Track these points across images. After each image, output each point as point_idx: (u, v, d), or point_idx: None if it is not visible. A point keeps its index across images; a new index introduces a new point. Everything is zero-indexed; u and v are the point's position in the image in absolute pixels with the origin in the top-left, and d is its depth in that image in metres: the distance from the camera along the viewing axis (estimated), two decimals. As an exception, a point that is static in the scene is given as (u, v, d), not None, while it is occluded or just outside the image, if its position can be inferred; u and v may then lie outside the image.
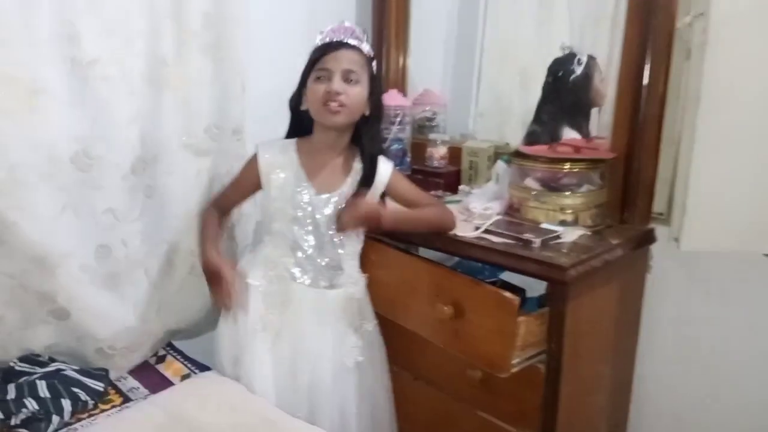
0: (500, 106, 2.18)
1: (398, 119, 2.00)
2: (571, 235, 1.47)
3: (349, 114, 1.38)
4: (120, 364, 1.61)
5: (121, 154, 1.48)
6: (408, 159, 2.06)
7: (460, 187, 1.88)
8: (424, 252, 1.61)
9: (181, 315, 1.71)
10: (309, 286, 1.46)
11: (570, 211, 1.53)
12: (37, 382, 1.43)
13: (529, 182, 1.59)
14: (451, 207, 1.69)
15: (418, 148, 2.04)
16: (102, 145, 1.44)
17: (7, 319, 1.44)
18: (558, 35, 1.80)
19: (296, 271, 1.45)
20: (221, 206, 1.58)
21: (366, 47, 1.42)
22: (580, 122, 1.66)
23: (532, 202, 1.57)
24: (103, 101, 1.42)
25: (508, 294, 1.27)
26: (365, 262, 1.54)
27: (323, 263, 1.45)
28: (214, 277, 1.47)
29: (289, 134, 1.50)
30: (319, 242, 1.44)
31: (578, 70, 1.62)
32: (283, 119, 1.52)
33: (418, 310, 1.47)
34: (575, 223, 1.53)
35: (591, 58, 1.63)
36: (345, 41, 1.37)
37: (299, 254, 1.44)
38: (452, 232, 1.49)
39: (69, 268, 1.43)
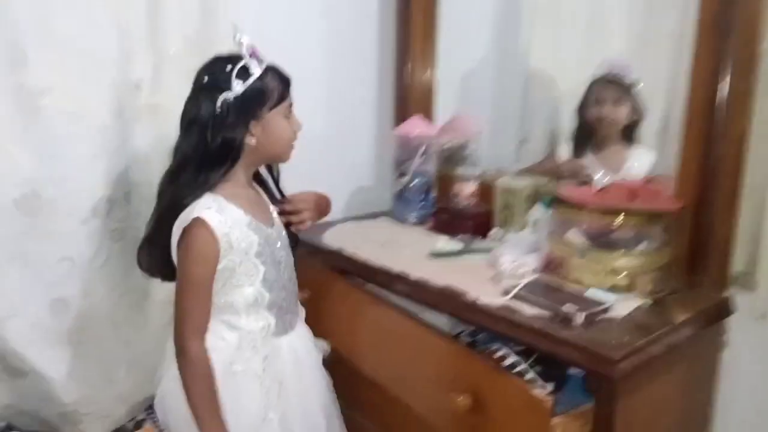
0: (547, 132, 1.91)
1: (421, 150, 1.73)
2: (624, 306, 1.16)
3: None
4: (89, 431, 1.40)
5: (79, 196, 1.27)
6: (432, 196, 1.78)
7: (491, 232, 1.59)
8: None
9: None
10: (289, 331, 1.26)
11: (624, 275, 1.22)
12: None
13: (573, 235, 1.29)
14: (477, 258, 1.42)
15: (446, 183, 1.76)
16: (55, 185, 1.23)
17: None
18: (612, 55, 1.56)
19: (275, 326, 1.22)
20: (204, 329, 1.15)
21: None
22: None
23: (576, 261, 1.27)
24: (57, 135, 1.23)
25: (538, 393, 0.98)
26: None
27: (290, 299, 1.27)
28: None
29: (206, 179, 1.13)
30: (284, 282, 1.24)
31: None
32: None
33: (422, 392, 1.19)
34: (630, 289, 1.22)
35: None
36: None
37: (275, 308, 1.21)
38: (473, 297, 1.20)
39: (17, 326, 1.23)
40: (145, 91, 1.34)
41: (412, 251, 1.50)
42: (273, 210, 1.28)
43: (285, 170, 1.73)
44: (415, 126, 1.76)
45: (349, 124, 1.95)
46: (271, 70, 1.15)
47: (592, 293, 1.20)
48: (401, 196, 1.78)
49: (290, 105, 1.19)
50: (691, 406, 1.24)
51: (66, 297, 1.29)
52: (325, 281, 1.47)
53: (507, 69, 2.04)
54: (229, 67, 1.10)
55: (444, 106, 1.95)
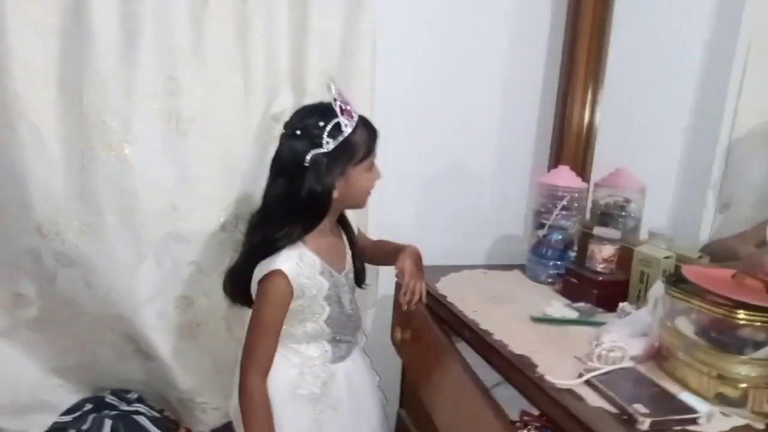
0: (758, 197, 1.61)
1: (562, 203, 1.60)
2: (721, 422, 0.94)
3: None
4: (200, 419, 1.58)
5: (212, 211, 1.44)
6: (571, 254, 1.63)
7: (621, 305, 1.40)
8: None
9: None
10: (345, 358, 1.36)
11: (737, 385, 0.99)
12: (105, 421, 1.47)
13: (682, 324, 1.08)
14: (584, 331, 1.28)
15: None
16: (192, 199, 1.42)
17: (100, 354, 1.52)
18: None
19: (333, 354, 1.33)
20: (267, 368, 1.23)
21: None
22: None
23: (681, 355, 1.07)
24: (198, 156, 1.41)
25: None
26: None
27: (352, 332, 1.37)
28: None
29: (296, 231, 1.20)
30: (347, 318, 1.34)
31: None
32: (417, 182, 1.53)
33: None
34: (741, 404, 0.98)
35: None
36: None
37: (334, 340, 1.33)
38: (540, 373, 1.08)
39: (145, 315, 1.44)
40: (281, 122, 1.47)
41: (518, 311, 1.39)
42: (347, 254, 1.35)
43: (437, 206, 1.79)
44: (561, 176, 1.64)
45: (506, 168, 1.90)
46: (360, 127, 1.20)
47: (686, 398, 1.00)
48: (536, 251, 1.67)
49: (373, 158, 1.24)
50: None
51: (190, 295, 1.48)
52: (422, 324, 1.45)
53: (701, 121, 1.77)
54: (321, 123, 1.16)
55: (607, 157, 1.77)
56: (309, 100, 1.48)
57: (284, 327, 1.23)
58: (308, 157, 1.16)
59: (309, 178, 1.16)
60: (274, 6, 1.43)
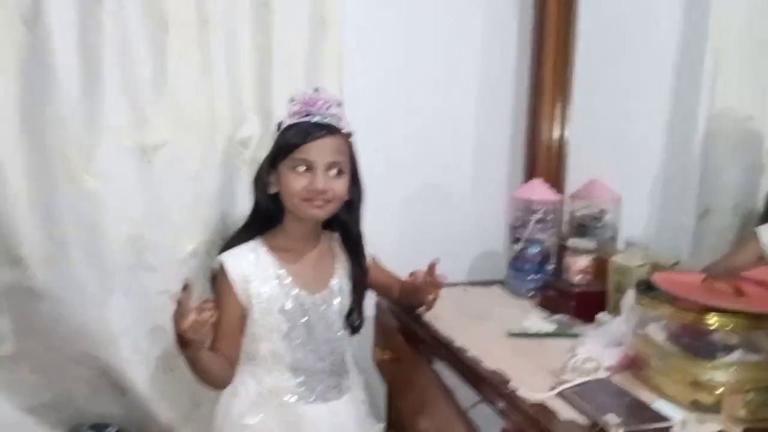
0: (736, 202, 1.60)
1: (537, 216, 1.59)
2: (694, 430, 0.92)
3: (333, 209, 1.20)
4: (187, 450, 1.54)
5: (181, 238, 1.43)
6: (549, 267, 1.62)
7: (599, 316, 1.39)
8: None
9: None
10: (320, 402, 1.22)
11: (711, 391, 0.97)
12: (87, 455, 1.42)
13: (653, 331, 1.07)
14: (561, 344, 1.26)
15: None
16: (160, 228, 1.40)
17: (75, 390, 1.49)
18: None
19: (302, 391, 1.21)
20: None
21: (346, 125, 1.20)
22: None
23: (655, 363, 1.05)
24: (165, 184, 1.40)
25: None
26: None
27: (328, 371, 1.23)
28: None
29: (251, 227, 1.23)
30: (319, 350, 1.22)
31: None
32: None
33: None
34: (716, 409, 0.96)
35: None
36: (327, 124, 1.16)
37: (300, 372, 1.20)
38: (513, 388, 1.06)
39: (119, 347, 1.41)
40: (251, 148, 1.47)
41: (495, 327, 1.38)
42: (335, 277, 1.26)
43: (415, 225, 1.78)
44: (535, 189, 1.64)
45: (481, 184, 1.89)
46: (298, 125, 1.15)
47: (660, 406, 0.98)
48: (514, 265, 1.65)
49: (305, 161, 1.14)
50: None
51: (164, 325, 1.45)
52: (400, 344, 1.43)
53: (675, 129, 1.77)
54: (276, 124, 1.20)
55: (580, 169, 1.77)
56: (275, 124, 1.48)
57: (246, 345, 1.19)
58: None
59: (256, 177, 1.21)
60: (236, 31, 1.43)
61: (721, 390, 0.96)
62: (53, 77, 1.29)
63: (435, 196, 1.85)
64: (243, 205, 1.47)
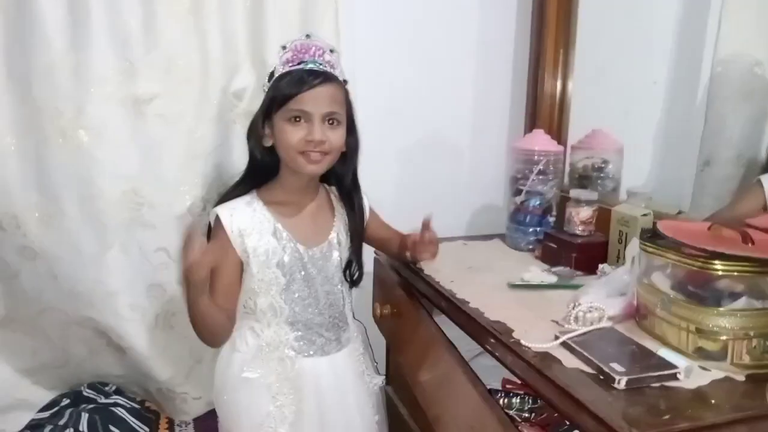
0: (738, 152, 1.58)
1: (538, 167, 1.56)
2: (701, 376, 0.91)
3: (331, 161, 1.17)
4: (182, 409, 1.55)
5: (177, 194, 1.40)
6: (550, 219, 1.60)
7: (601, 267, 1.37)
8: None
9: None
10: (319, 356, 1.22)
11: (716, 338, 0.96)
12: (82, 414, 1.43)
13: (658, 279, 1.06)
14: (562, 295, 1.24)
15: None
16: (155, 184, 1.37)
17: (74, 351, 1.48)
18: None
19: (301, 345, 1.20)
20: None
21: (341, 73, 1.15)
22: None
23: (659, 311, 1.04)
24: (159, 139, 1.37)
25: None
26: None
27: (328, 324, 1.23)
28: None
29: (246, 180, 1.20)
30: (318, 304, 1.21)
31: None
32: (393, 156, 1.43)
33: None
34: (721, 357, 0.95)
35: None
36: (323, 71, 1.11)
37: (300, 325, 1.20)
38: (516, 338, 1.06)
39: (116, 306, 1.40)
40: (245, 100, 1.43)
41: (495, 279, 1.36)
42: (333, 231, 1.24)
43: (413, 177, 1.75)
44: (536, 140, 1.60)
45: (482, 138, 1.86)
46: (292, 74, 1.11)
47: (665, 354, 0.97)
48: (515, 218, 1.63)
49: (301, 111, 1.10)
50: None
51: (162, 283, 1.44)
52: (401, 298, 1.42)
53: (678, 79, 1.74)
54: (269, 74, 1.15)
55: (582, 120, 1.73)
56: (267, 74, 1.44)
57: (243, 300, 1.18)
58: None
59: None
60: (229, -22, 1.38)
61: (725, 337, 0.95)
62: (39, 27, 1.25)
63: (434, 148, 1.82)
64: (238, 159, 1.45)
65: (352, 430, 1.27)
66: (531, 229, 1.60)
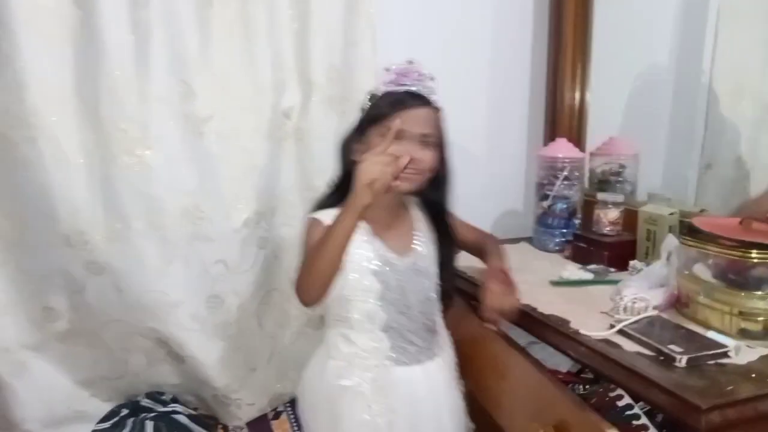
0: (738, 155, 1.71)
1: (564, 173, 1.68)
2: (746, 353, 1.02)
3: (422, 180, 1.19)
4: (236, 414, 1.61)
5: (234, 209, 1.48)
6: (576, 221, 1.71)
7: (632, 263, 1.48)
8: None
9: (297, 369, 1.63)
10: (414, 364, 1.22)
11: (758, 319, 1.07)
12: (147, 422, 1.49)
13: (700, 270, 1.17)
14: (602, 290, 1.35)
15: (592, 209, 1.66)
16: (213, 199, 1.45)
17: (132, 361, 1.54)
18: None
19: (396, 354, 1.21)
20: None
21: (438, 100, 1.19)
22: None
23: (701, 299, 1.15)
24: (216, 156, 1.44)
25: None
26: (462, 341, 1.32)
27: (420, 332, 1.23)
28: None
29: (337, 193, 1.21)
30: (411, 311, 1.22)
31: None
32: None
33: (517, 420, 1.17)
34: (762, 336, 1.07)
35: None
36: (421, 95, 1.16)
37: (394, 333, 1.20)
38: (575, 328, 1.16)
39: (178, 316, 1.46)
40: (293, 118, 1.52)
41: (535, 278, 1.46)
42: (420, 241, 1.25)
43: None
44: (560, 148, 1.72)
45: (500, 146, 1.96)
46: (392, 93, 1.15)
47: (713, 336, 1.08)
48: (542, 221, 1.74)
49: (393, 126, 1.11)
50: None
51: (220, 294, 1.51)
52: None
53: (681, 86, 1.88)
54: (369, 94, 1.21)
55: (599, 128, 1.86)
56: (317, 93, 1.53)
57: (337, 308, 1.19)
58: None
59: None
60: (276, 3, 1.46)
61: (766, 318, 1.06)
62: (105, 51, 1.32)
63: (456, 159, 1.91)
64: (288, 175, 1.54)
65: None
66: (558, 232, 1.71)
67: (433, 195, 1.25)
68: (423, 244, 1.25)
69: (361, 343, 1.19)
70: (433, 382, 1.25)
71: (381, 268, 1.18)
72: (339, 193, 1.18)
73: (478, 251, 1.38)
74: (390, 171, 1.07)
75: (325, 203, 1.22)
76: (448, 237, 1.29)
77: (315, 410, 1.27)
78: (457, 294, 1.42)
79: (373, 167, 1.06)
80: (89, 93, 1.33)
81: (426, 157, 1.16)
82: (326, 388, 1.21)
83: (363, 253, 1.17)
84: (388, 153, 1.07)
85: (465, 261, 1.40)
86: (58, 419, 1.50)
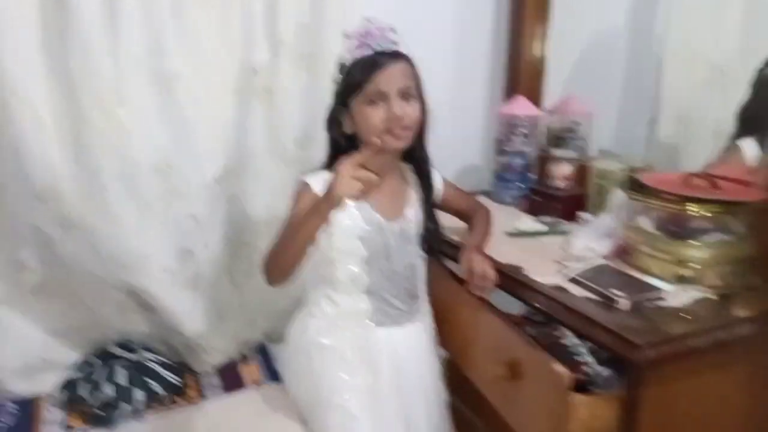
0: (684, 114, 1.81)
1: (522, 130, 1.75)
2: (681, 297, 1.13)
3: (413, 135, 1.21)
4: (205, 361, 1.67)
5: (203, 165, 1.50)
6: (532, 177, 1.80)
7: (581, 215, 1.58)
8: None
9: (264, 317, 1.71)
10: (394, 326, 1.28)
11: (692, 266, 1.18)
12: (118, 369, 1.53)
13: (643, 222, 1.27)
14: (555, 240, 1.44)
15: (547, 165, 1.75)
16: (183, 155, 1.47)
17: (102, 312, 1.57)
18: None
19: (377, 315, 1.26)
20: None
21: (405, 49, 1.21)
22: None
23: (644, 248, 1.25)
24: (186, 113, 1.45)
25: (560, 368, 1.02)
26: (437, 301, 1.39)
27: (402, 295, 1.28)
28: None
29: (330, 163, 1.23)
30: (394, 276, 1.26)
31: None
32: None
33: (477, 363, 1.27)
34: (697, 282, 1.18)
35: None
36: (391, 50, 1.17)
37: (376, 297, 1.25)
38: (528, 274, 1.25)
39: (150, 269, 1.50)
40: (261, 75, 1.53)
41: (493, 229, 1.54)
42: (409, 206, 1.29)
43: None
44: (519, 105, 1.78)
45: (460, 101, 2.00)
46: (363, 59, 1.15)
47: (652, 281, 1.19)
48: (500, 176, 1.82)
49: (376, 92, 1.14)
50: (758, 409, 1.17)
51: (190, 248, 1.55)
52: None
53: (635, 47, 1.97)
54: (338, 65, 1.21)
55: (556, 86, 1.93)
56: (285, 51, 1.54)
57: (323, 270, 1.22)
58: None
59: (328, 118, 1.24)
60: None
61: (700, 266, 1.17)
62: (74, 10, 1.30)
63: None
64: (256, 132, 1.56)
65: (427, 400, 1.32)
66: (515, 185, 1.79)
67: (414, 142, 1.24)
68: (414, 207, 1.30)
69: (344, 304, 1.24)
70: (414, 344, 1.30)
71: (368, 234, 1.21)
72: (330, 165, 1.21)
73: (466, 220, 1.44)
74: (362, 188, 1.05)
75: (323, 165, 1.24)
76: (427, 180, 1.32)
77: (294, 369, 1.33)
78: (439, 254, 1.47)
79: (349, 182, 1.04)
80: (59, 52, 1.32)
81: (412, 111, 1.18)
82: (306, 347, 1.27)
83: (350, 217, 1.19)
84: (363, 169, 1.05)
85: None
86: (29, 368, 1.53)
